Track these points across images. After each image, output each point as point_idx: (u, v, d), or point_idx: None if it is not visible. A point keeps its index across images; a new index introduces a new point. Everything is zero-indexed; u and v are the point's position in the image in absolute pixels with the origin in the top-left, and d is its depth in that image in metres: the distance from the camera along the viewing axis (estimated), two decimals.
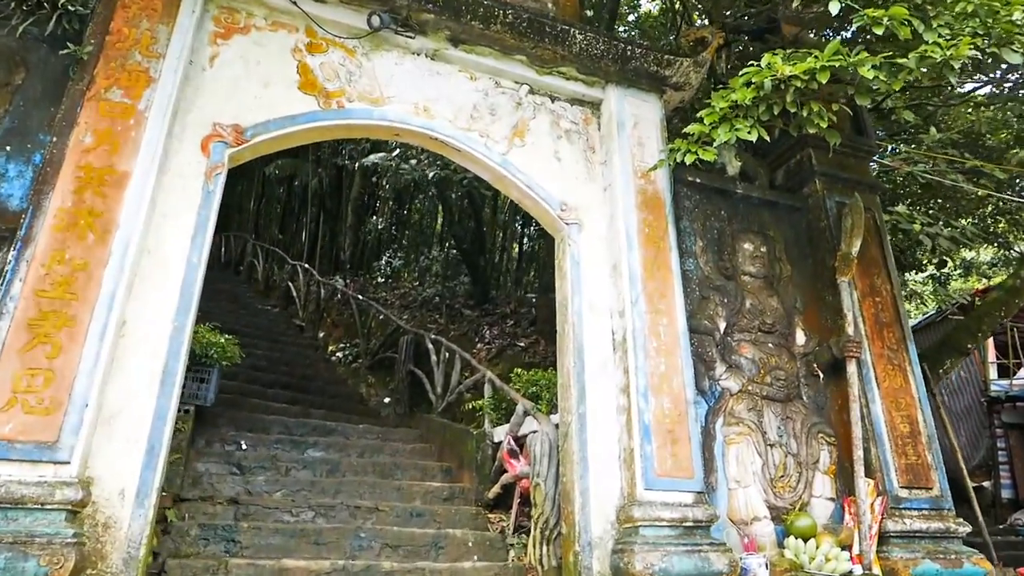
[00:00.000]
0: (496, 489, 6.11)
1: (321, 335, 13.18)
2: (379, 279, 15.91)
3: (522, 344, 8.76)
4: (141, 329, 3.75)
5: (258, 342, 11.24)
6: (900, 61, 3.98)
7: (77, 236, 3.62)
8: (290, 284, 15.73)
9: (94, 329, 3.48)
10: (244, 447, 6.88)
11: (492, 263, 13.89)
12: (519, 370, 6.49)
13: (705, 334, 5.22)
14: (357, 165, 18.13)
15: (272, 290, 17.75)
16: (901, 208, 6.98)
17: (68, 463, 3.23)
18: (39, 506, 3.11)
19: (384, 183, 17.33)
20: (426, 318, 10.92)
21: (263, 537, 4.78)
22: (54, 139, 3.82)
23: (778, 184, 6.36)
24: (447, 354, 8.60)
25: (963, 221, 7.87)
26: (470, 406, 6.79)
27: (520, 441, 5.99)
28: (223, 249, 23.87)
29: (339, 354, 11.90)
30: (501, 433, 6.40)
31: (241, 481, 5.80)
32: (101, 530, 3.36)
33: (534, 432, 5.44)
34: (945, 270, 9.41)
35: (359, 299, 12.08)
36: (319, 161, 22.52)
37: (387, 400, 10.32)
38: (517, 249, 16.77)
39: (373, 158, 16.03)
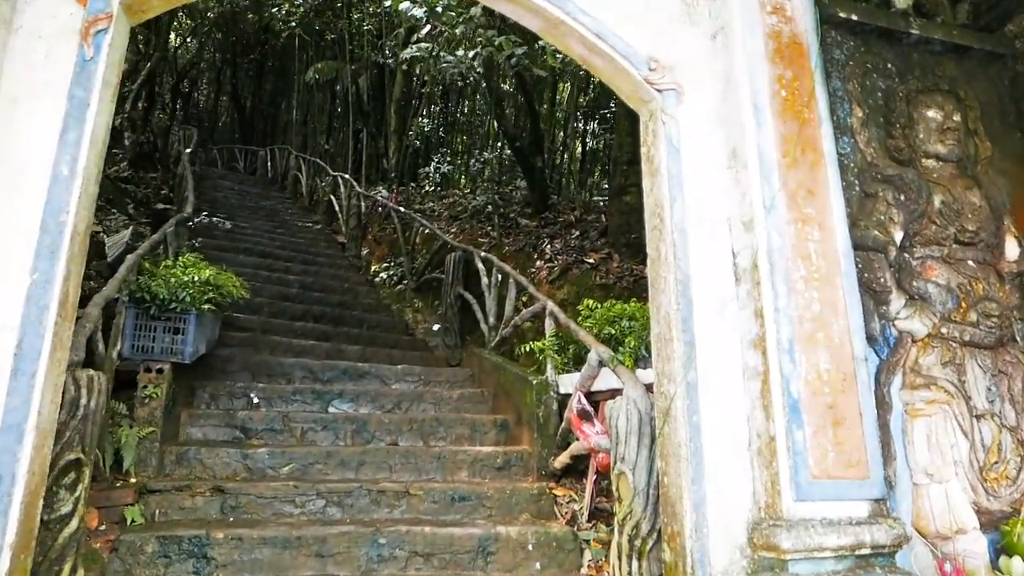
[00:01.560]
0: (564, 459, 4.68)
1: (364, 252, 11.87)
2: (427, 187, 14.38)
3: (591, 260, 7.15)
4: None
5: (291, 265, 10.02)
6: None
7: None
8: (332, 198, 14.43)
9: None
10: (255, 401, 5.66)
11: (552, 165, 12.09)
12: (590, 302, 4.88)
13: (872, 250, 3.45)
14: (398, 62, 16.27)
15: (316, 205, 16.55)
16: None
17: None
18: None
19: (427, 80, 15.47)
20: (477, 231, 9.38)
21: (247, 550, 3.50)
22: None
23: (967, 22, 4.31)
24: (499, 276, 7.07)
25: None
26: (529, 346, 5.27)
27: (595, 399, 4.48)
28: (269, 164, 22.76)
29: (383, 275, 10.57)
30: (569, 384, 4.91)
31: (239, 455, 4.55)
32: None
33: (614, 394, 3.91)
34: None
35: (401, 212, 10.59)
36: (358, 60, 20.70)
37: (435, 327, 8.99)
38: (580, 148, 14.83)
39: (411, 49, 14.15)
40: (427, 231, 9.94)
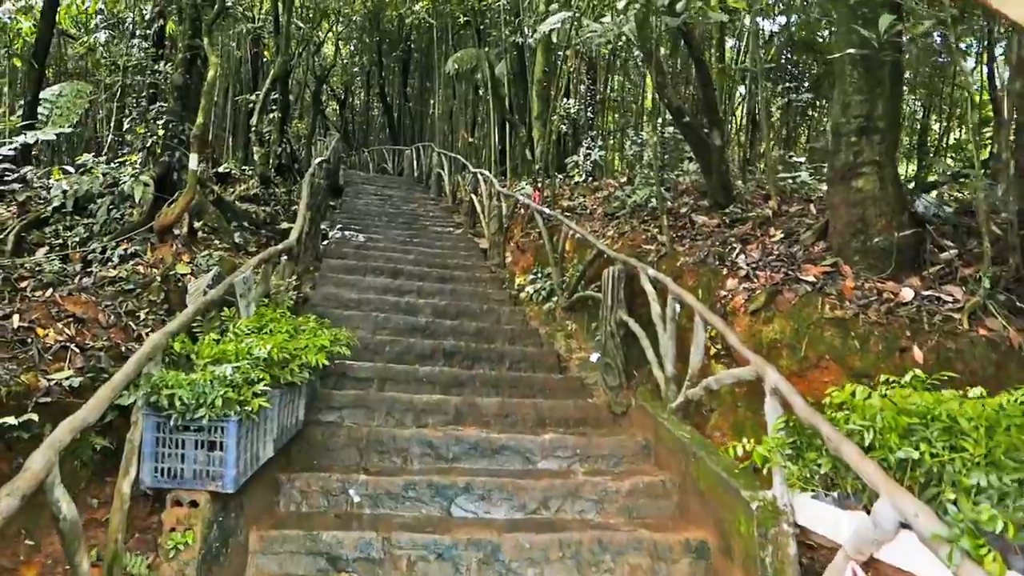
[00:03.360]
0: None
1: (508, 259, 10.34)
2: (576, 178, 12.57)
3: (809, 278, 4.96)
4: None
5: (424, 284, 8.69)
6: None
7: None
8: (473, 197, 13.11)
9: None
10: (356, 500, 4.24)
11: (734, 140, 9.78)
12: (856, 389, 2.83)
13: None
14: (536, 38, 14.57)
15: (460, 204, 15.39)
16: None
17: None
18: None
19: (569, 55, 13.65)
20: (639, 233, 7.44)
21: None
22: None
23: None
24: (676, 306, 5.12)
25: None
26: (743, 447, 3.31)
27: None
28: (415, 163, 22.12)
29: (529, 289, 8.96)
30: (815, 516, 2.93)
31: None
32: None
33: None
34: None
35: (545, 213, 8.89)
36: (497, 45, 19.27)
37: (593, 358, 7.22)
38: (760, 118, 12.25)
39: (551, 20, 12.35)
40: (576, 235, 8.17)
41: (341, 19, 27.36)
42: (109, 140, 7.97)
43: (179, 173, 7.42)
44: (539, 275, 9.02)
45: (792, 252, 5.55)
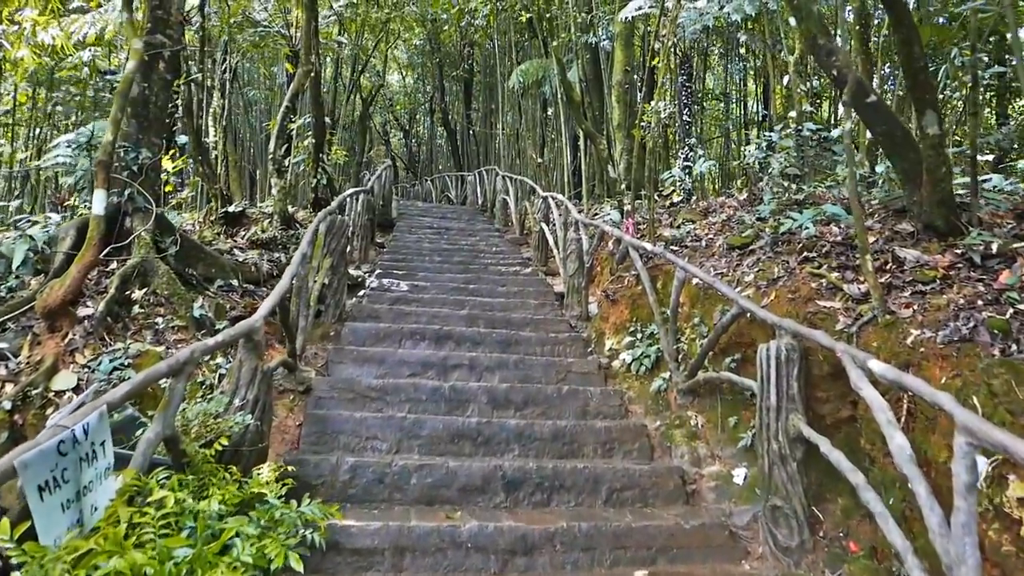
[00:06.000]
0: None
1: (594, 309, 7.78)
2: (674, 197, 9.96)
3: None
4: None
5: (478, 355, 6.29)
6: None
7: None
8: (543, 227, 10.68)
9: None
10: None
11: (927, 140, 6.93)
12: None
13: None
14: (614, 32, 12.10)
15: (529, 235, 12.99)
16: None
17: None
18: None
19: (658, 48, 11.08)
20: (804, 278, 4.76)
21: None
22: None
23: None
24: (981, 461, 2.45)
25: None
26: None
27: None
28: (478, 189, 19.94)
29: (624, 356, 6.37)
30: None
31: None
32: None
33: None
34: None
35: (644, 249, 6.33)
36: (568, 51, 16.95)
37: (739, 477, 4.59)
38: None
39: (632, 6, 9.87)
40: (696, 281, 5.58)
41: (402, 43, 25.96)
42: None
43: (132, 219, 5.32)
44: (639, 335, 6.43)
45: None
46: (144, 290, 4.66)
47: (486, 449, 4.78)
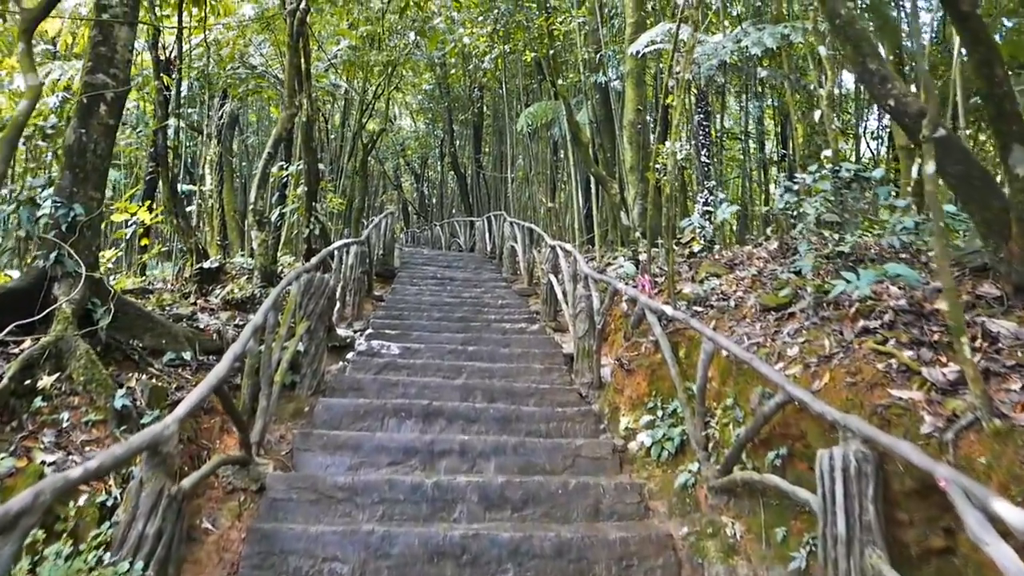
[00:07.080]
0: None
1: (607, 377, 6.84)
2: (693, 246, 9.08)
3: None
4: None
5: (472, 438, 5.39)
6: None
7: None
8: (552, 279, 9.82)
9: None
10: None
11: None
12: None
13: None
14: (624, 70, 11.43)
15: (538, 285, 12.14)
16: None
17: None
18: None
19: (672, 85, 10.34)
20: (866, 356, 3.84)
21: None
22: None
23: None
24: None
25: None
26: None
27: None
28: (486, 236, 19.21)
29: (643, 437, 5.42)
30: None
31: None
32: None
33: None
34: None
35: (663, 314, 5.43)
36: (576, 92, 16.38)
37: None
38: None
39: (645, 38, 9.18)
40: (725, 353, 4.64)
41: (412, 88, 25.68)
42: None
43: (60, 283, 4.54)
44: (659, 412, 5.49)
45: None
46: (57, 375, 3.84)
47: (472, 572, 3.83)
